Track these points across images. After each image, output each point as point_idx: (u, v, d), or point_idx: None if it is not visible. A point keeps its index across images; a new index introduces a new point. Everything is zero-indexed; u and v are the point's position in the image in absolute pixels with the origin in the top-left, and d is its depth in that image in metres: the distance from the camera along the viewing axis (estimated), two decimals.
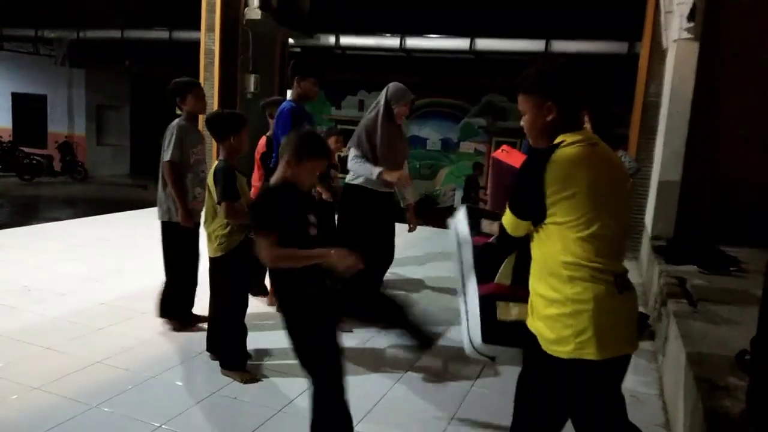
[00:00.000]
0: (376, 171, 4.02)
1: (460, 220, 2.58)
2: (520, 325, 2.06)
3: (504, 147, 2.79)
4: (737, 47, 5.22)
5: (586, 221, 1.84)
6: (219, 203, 3.22)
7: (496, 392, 3.38)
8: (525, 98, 1.98)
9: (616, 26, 9.82)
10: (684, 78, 5.23)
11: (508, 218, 2.02)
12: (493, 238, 2.35)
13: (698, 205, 5.33)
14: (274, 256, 2.38)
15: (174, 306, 3.98)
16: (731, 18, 5.23)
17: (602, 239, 1.85)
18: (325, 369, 2.43)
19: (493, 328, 2.30)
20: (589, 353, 1.84)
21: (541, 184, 1.85)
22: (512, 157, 2.65)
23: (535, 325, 1.98)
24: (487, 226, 2.52)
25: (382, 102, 4.14)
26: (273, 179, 2.57)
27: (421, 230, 8.46)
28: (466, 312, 2.43)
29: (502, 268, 2.35)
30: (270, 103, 5.10)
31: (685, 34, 5.13)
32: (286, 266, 2.42)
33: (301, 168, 2.50)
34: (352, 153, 4.17)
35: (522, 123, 2.03)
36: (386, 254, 4.39)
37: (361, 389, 3.31)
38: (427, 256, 5.85)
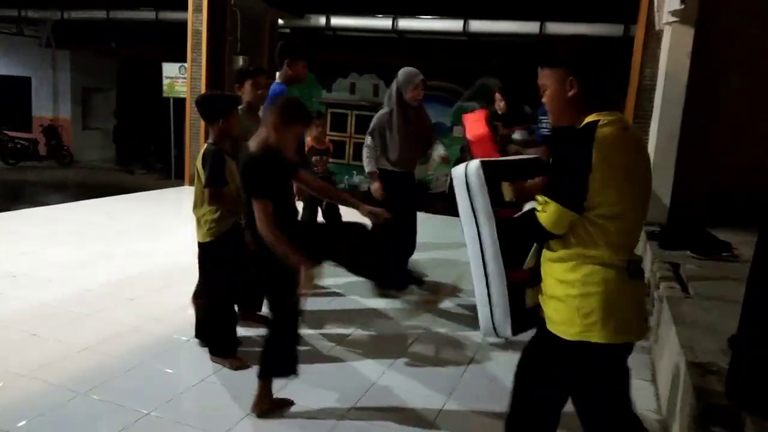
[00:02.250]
0: (368, 168, 4.46)
1: (475, 188, 2.25)
2: (539, 306, 2.04)
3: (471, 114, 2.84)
4: (732, 31, 5.22)
5: (612, 206, 1.81)
6: (205, 188, 3.20)
7: (488, 378, 3.41)
8: (548, 72, 1.95)
9: (611, 9, 9.77)
10: (678, 61, 5.23)
11: (553, 213, 1.83)
12: (518, 213, 2.15)
13: (691, 190, 5.36)
14: (269, 232, 2.62)
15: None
16: (726, 1, 5.22)
17: (623, 224, 1.84)
18: (287, 307, 2.78)
19: (521, 319, 2.23)
20: (594, 336, 1.84)
21: (589, 168, 1.75)
22: (476, 126, 2.73)
23: (543, 304, 1.98)
24: (507, 190, 2.23)
25: (394, 90, 4.37)
26: (254, 146, 2.67)
27: None
28: (489, 296, 2.27)
29: (532, 251, 2.15)
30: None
31: (678, 17, 5.12)
32: (270, 242, 2.65)
33: (286, 133, 2.69)
34: (367, 140, 4.49)
35: (543, 99, 2.00)
36: (409, 236, 4.64)
37: (354, 376, 3.34)
38: (420, 241, 5.82)
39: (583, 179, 1.76)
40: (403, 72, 4.38)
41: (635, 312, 1.91)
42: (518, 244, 2.16)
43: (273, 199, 2.68)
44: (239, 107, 3.66)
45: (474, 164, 2.24)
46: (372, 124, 4.49)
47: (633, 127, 1.95)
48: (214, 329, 3.43)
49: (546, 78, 1.96)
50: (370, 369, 3.43)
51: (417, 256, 5.76)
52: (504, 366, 3.44)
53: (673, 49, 5.27)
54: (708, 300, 3.33)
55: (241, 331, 3.55)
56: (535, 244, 2.12)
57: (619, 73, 7.71)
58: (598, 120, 1.82)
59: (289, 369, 2.88)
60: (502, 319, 2.25)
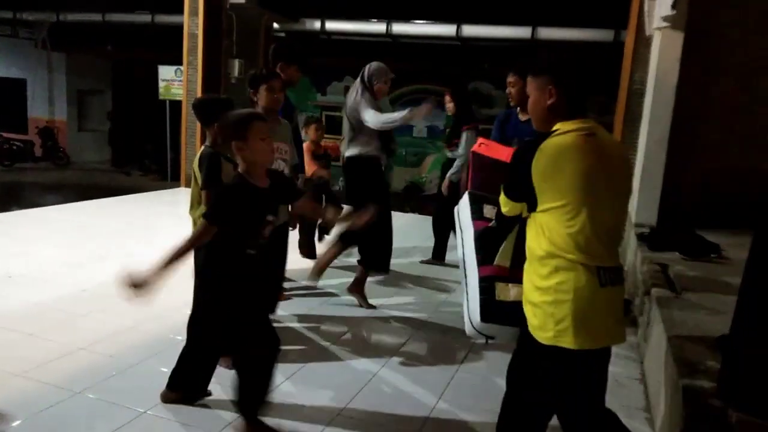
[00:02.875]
0: (403, 112, 3.99)
1: (463, 207, 2.67)
2: (519, 305, 2.09)
3: (481, 140, 2.85)
4: (722, 36, 5.26)
5: (572, 212, 1.86)
6: (201, 190, 3.16)
7: (481, 376, 3.42)
8: (531, 80, 2.06)
9: (602, 14, 9.82)
10: (668, 66, 5.26)
11: (502, 198, 2.14)
12: (492, 222, 2.47)
13: (681, 193, 5.39)
14: (189, 245, 2.47)
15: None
16: (716, 6, 5.26)
17: (588, 231, 1.87)
18: (201, 327, 2.80)
19: (491, 308, 2.35)
20: (566, 342, 1.89)
21: (528, 172, 1.90)
22: (492, 149, 2.73)
23: (524, 307, 2.04)
24: (489, 211, 2.60)
25: (359, 81, 4.24)
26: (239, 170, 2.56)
27: (408, 217, 8.51)
28: (467, 293, 2.49)
29: (501, 249, 2.40)
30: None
31: (668, 22, 5.16)
32: (175, 251, 2.47)
33: (250, 141, 2.46)
34: (370, 114, 4.09)
35: (528, 107, 2.11)
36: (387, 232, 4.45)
37: (347, 375, 3.35)
38: (414, 243, 5.88)
39: (523, 181, 1.94)
40: (375, 65, 4.26)
41: (609, 318, 1.94)
42: (490, 246, 2.43)
43: (224, 228, 2.48)
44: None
45: (465, 195, 2.70)
46: (369, 104, 4.14)
47: (603, 134, 1.97)
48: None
49: (530, 85, 2.07)
50: (363, 368, 3.44)
51: (412, 257, 5.79)
52: (496, 366, 3.45)
53: (662, 53, 5.30)
54: (697, 301, 3.35)
55: None
56: (503, 244, 2.36)
57: (603, 80, 7.78)
58: (557, 129, 1.93)
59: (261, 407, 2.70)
60: (474, 307, 2.38)
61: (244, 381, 2.62)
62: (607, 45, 10.28)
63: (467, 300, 2.48)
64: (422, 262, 5.71)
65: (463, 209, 2.68)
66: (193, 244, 2.47)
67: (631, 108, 6.70)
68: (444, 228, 5.67)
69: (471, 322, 2.42)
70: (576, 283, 1.88)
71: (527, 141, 2.04)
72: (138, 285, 2.34)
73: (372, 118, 4.10)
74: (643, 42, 6.46)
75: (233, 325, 2.60)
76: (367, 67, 4.27)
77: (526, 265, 2.05)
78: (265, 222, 2.57)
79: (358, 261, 4.43)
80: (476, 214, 2.60)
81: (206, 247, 2.53)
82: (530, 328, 1.99)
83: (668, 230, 4.88)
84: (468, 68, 14.62)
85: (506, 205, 2.13)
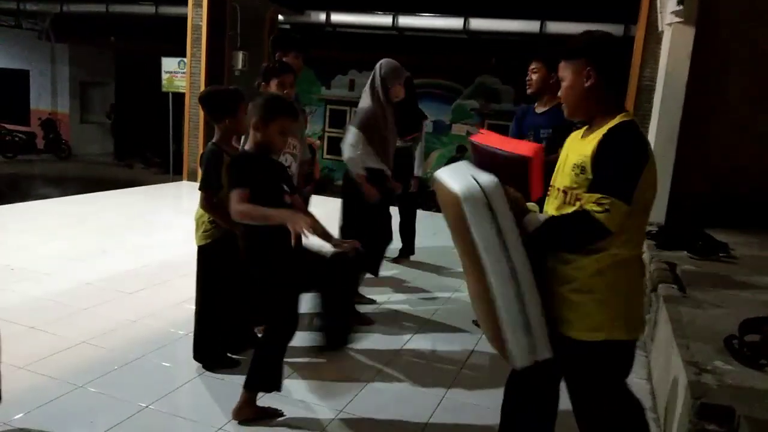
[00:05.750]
0: (357, 169, 3.96)
1: (500, 206, 1.86)
2: None
3: (481, 130, 2.62)
4: (733, 31, 5.23)
5: (645, 203, 1.86)
6: (199, 189, 3.01)
7: (486, 375, 3.43)
8: (567, 64, 1.96)
9: (611, 8, 9.79)
10: (678, 62, 5.24)
11: (618, 212, 1.73)
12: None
13: (689, 191, 5.37)
14: (238, 210, 2.50)
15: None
16: (727, 1, 5.24)
17: (644, 224, 1.92)
18: (287, 310, 2.68)
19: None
20: (620, 334, 1.90)
21: (645, 162, 1.80)
22: (491, 139, 2.25)
23: (562, 311, 1.93)
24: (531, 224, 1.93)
25: (379, 83, 3.97)
26: (246, 148, 2.64)
27: None
28: (527, 321, 1.87)
29: None
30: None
31: (679, 17, 5.13)
32: (249, 221, 2.53)
33: (270, 129, 2.58)
34: (353, 138, 3.97)
35: (559, 93, 2.01)
36: (387, 232, 4.52)
37: (347, 375, 3.36)
38: (419, 238, 5.87)
39: (639, 174, 1.77)
40: (387, 65, 4.01)
41: (643, 307, 2.03)
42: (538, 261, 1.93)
43: (253, 193, 2.52)
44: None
45: (489, 182, 1.85)
46: (362, 120, 3.99)
47: None
48: (203, 341, 3.24)
49: (564, 70, 1.97)
50: (363, 368, 3.45)
51: (417, 252, 5.79)
52: (497, 368, 3.45)
53: (673, 49, 5.28)
54: (704, 300, 3.34)
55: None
56: None
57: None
58: (632, 119, 1.86)
59: (274, 384, 2.77)
60: (542, 341, 1.90)
61: (263, 354, 2.73)
62: (617, 40, 10.25)
63: (529, 329, 1.87)
64: (393, 260, 5.55)
65: (500, 208, 1.85)
66: (243, 215, 2.52)
67: (641, 104, 6.68)
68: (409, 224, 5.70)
69: (536, 355, 1.90)
70: (636, 275, 1.91)
71: (619, 131, 1.82)
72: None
73: (347, 149, 3.97)
74: (653, 37, 6.44)
75: (278, 295, 2.68)
76: (378, 67, 4.01)
77: (560, 265, 1.91)
78: (284, 191, 2.65)
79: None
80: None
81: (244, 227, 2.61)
82: (574, 331, 1.90)
83: (676, 229, 4.86)
84: (475, 62, 14.58)
85: (620, 216, 1.74)
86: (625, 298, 1.89)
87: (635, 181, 1.77)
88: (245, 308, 3.33)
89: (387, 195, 4.22)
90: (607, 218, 1.73)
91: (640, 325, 1.97)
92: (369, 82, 4.04)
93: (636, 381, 3.33)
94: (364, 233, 3.66)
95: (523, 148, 2.10)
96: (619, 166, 1.78)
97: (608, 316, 1.88)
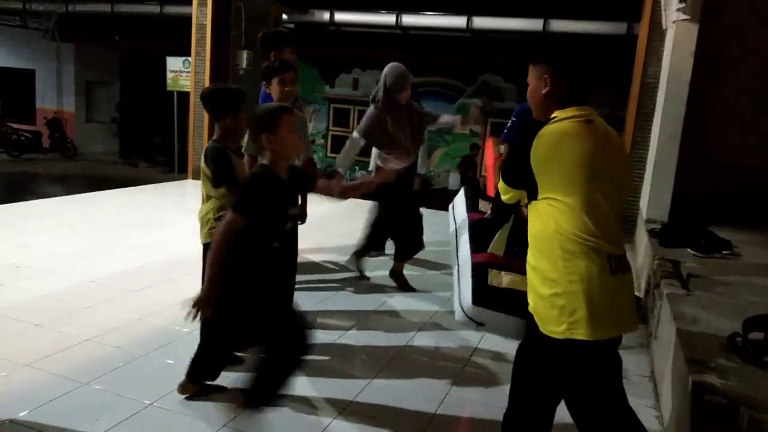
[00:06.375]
0: (341, 166, 4.42)
1: (458, 201, 2.75)
2: (511, 293, 2.11)
3: (491, 138, 3.04)
4: (736, 29, 5.21)
5: (576, 198, 1.85)
6: (216, 187, 2.98)
7: (488, 374, 3.42)
8: (530, 69, 2.07)
9: (615, 6, 9.76)
10: (682, 60, 5.22)
11: (502, 185, 2.12)
12: (487, 214, 2.55)
13: (693, 189, 5.35)
14: (220, 238, 2.39)
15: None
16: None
17: (593, 217, 1.86)
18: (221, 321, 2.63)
19: (483, 292, 2.38)
20: (581, 333, 1.84)
21: (527, 159, 1.91)
22: (487, 149, 2.95)
23: (532, 303, 1.99)
24: (483, 205, 2.72)
25: (382, 93, 4.28)
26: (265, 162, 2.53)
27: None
28: (458, 279, 2.53)
29: (495, 238, 2.46)
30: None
31: (683, 15, 5.11)
32: (215, 257, 2.40)
33: (280, 134, 2.46)
34: (354, 140, 4.37)
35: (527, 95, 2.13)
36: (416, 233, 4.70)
37: (349, 373, 3.36)
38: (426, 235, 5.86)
39: (522, 168, 1.93)
40: (391, 74, 4.25)
41: (622, 306, 1.91)
42: (484, 235, 2.52)
43: (254, 218, 2.45)
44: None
45: (461, 191, 2.89)
46: (364, 126, 4.34)
47: (600, 122, 1.98)
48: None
49: (530, 74, 2.08)
50: (366, 366, 3.45)
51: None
52: (503, 364, 3.45)
53: (676, 47, 5.25)
54: (708, 298, 3.33)
55: None
56: (498, 234, 2.45)
57: (611, 72, 7.72)
58: (555, 116, 1.95)
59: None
60: (465, 291, 2.41)
61: (259, 375, 2.61)
62: (620, 38, 10.21)
63: (459, 287, 2.52)
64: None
65: (458, 203, 2.76)
66: (225, 239, 2.40)
67: (644, 102, 6.66)
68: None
69: (461, 306, 2.45)
70: (588, 270, 1.85)
71: (526, 128, 2.08)
72: (198, 304, 2.39)
73: (348, 143, 4.39)
74: (656, 35, 6.41)
75: (262, 319, 2.57)
76: (383, 76, 4.31)
77: (529, 257, 2.01)
78: (288, 214, 2.63)
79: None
80: (472, 207, 2.72)
81: (234, 243, 2.45)
82: (540, 325, 1.94)
83: (680, 226, 4.85)
84: (478, 60, 14.55)
85: (506, 193, 2.11)
86: (584, 296, 1.84)
87: (513, 170, 2.06)
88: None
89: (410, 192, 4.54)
90: (499, 187, 2.13)
91: (613, 324, 1.90)
92: (376, 89, 4.39)
93: (639, 379, 3.34)
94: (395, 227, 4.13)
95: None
96: (508, 156, 2.20)
97: (566, 311, 1.86)
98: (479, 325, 2.47)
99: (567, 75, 1.98)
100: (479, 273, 2.43)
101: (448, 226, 3.01)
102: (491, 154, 4.23)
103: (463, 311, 2.43)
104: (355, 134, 4.40)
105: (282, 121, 2.50)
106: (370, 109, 4.38)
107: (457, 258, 2.62)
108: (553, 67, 1.99)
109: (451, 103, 15.92)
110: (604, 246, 1.86)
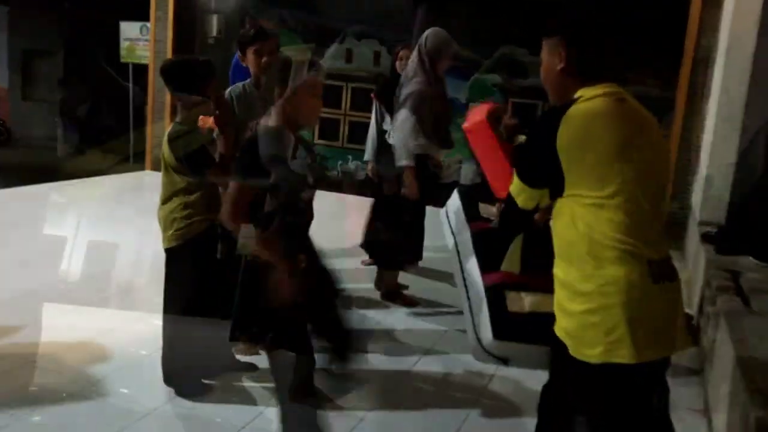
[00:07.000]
0: (406, 160, 4.33)
1: (452, 206, 2.68)
2: (537, 318, 2.08)
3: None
4: None
5: (610, 192, 1.84)
6: (194, 176, 2.99)
7: (508, 406, 3.43)
8: (544, 44, 2.07)
9: None
10: (744, 30, 5.22)
11: (516, 187, 2.03)
12: (493, 222, 2.46)
13: (756, 184, 5.35)
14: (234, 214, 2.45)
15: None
16: None
17: (631, 215, 1.84)
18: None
19: (504, 322, 2.33)
20: (622, 355, 1.83)
21: (553, 148, 1.86)
22: (474, 113, 2.62)
23: (560, 323, 1.98)
24: (485, 209, 2.61)
25: (426, 58, 4.31)
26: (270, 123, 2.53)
27: None
28: (470, 307, 2.47)
29: (508, 253, 2.40)
30: None
31: None
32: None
33: (299, 96, 2.50)
34: (407, 121, 4.27)
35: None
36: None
37: (343, 403, 3.36)
38: (428, 237, 5.84)
39: (545, 160, 1.89)
40: (434, 37, 4.35)
41: (669, 320, 1.91)
42: (493, 249, 2.44)
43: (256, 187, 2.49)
44: (246, 81, 3.55)
45: (454, 192, 2.80)
46: (415, 100, 4.28)
47: (632, 100, 1.97)
48: (172, 361, 3.23)
49: (543, 50, 2.07)
50: (359, 397, 3.44)
51: (426, 253, 5.78)
52: (525, 393, 3.47)
53: (737, 15, 5.26)
54: None
55: None
56: (510, 247, 2.37)
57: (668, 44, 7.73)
58: (580, 96, 1.91)
59: None
60: (482, 323, 2.38)
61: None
62: (669, 4, 10.22)
63: (472, 318, 2.46)
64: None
65: (452, 209, 2.69)
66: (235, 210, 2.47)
67: (695, 79, 6.67)
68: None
69: (480, 342, 2.40)
70: (627, 280, 1.83)
71: (544, 112, 2.06)
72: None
73: (400, 136, 4.32)
74: (712, 1, 6.43)
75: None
76: (424, 38, 4.35)
77: (556, 269, 2.00)
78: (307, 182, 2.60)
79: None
80: (471, 214, 2.63)
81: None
82: (571, 348, 1.93)
83: (740, 230, 4.85)
84: (495, 29, 14.54)
85: (521, 194, 2.02)
86: (624, 308, 1.83)
87: (532, 164, 2.01)
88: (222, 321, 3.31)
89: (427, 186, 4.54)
90: (511, 188, 2.05)
91: (659, 342, 1.90)
92: (414, 56, 4.38)
93: (689, 414, 3.34)
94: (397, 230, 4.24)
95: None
96: (523, 148, 2.09)
97: (602, 329, 1.85)
98: (504, 362, 2.44)
99: (589, 46, 1.98)
100: (495, 299, 2.37)
101: (444, 238, 2.86)
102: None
103: (483, 348, 2.39)
104: (404, 112, 4.30)
105: (307, 81, 2.52)
106: (415, 79, 4.33)
107: (465, 283, 2.55)
108: (570, 39, 1.98)
109: (464, 81, 15.90)
110: (643, 250, 1.85)
